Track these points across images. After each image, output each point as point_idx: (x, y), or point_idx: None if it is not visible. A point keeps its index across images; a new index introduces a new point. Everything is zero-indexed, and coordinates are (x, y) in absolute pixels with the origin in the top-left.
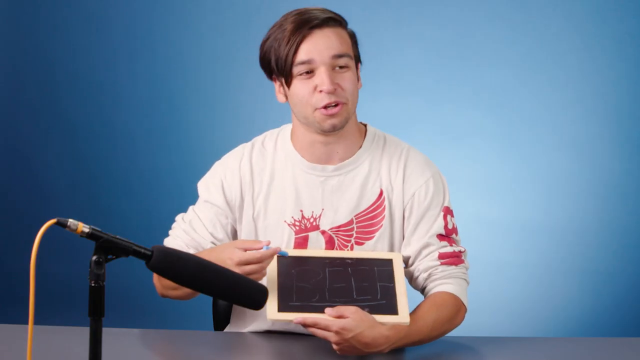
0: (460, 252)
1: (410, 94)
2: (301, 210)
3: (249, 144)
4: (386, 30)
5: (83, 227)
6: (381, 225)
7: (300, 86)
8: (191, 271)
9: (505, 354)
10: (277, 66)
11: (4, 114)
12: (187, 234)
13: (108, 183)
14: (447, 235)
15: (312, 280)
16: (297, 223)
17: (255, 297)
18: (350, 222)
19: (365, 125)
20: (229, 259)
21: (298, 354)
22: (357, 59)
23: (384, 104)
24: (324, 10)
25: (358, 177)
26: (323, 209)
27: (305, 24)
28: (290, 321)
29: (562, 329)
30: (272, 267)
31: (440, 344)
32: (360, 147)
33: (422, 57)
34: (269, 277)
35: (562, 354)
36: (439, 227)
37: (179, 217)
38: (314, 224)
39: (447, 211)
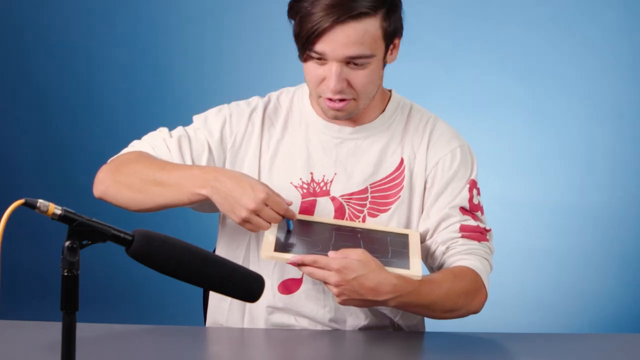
0: (485, 229)
1: (427, 58)
2: (311, 173)
3: (264, 97)
4: None
5: (55, 209)
6: (399, 197)
7: (311, 68)
8: (178, 258)
9: (532, 353)
10: (296, 38)
11: None
12: (170, 150)
13: (84, 158)
14: (472, 210)
15: (315, 237)
16: (306, 186)
17: (250, 288)
18: (365, 191)
19: (390, 91)
20: (256, 190)
21: (297, 350)
22: (394, 34)
23: (398, 69)
24: None
25: (377, 144)
26: (335, 173)
27: (335, 12)
28: (286, 260)
29: (596, 324)
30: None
31: (459, 339)
32: (383, 112)
33: (440, 16)
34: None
35: (597, 352)
36: (462, 199)
37: (164, 129)
38: (324, 188)
39: (474, 185)
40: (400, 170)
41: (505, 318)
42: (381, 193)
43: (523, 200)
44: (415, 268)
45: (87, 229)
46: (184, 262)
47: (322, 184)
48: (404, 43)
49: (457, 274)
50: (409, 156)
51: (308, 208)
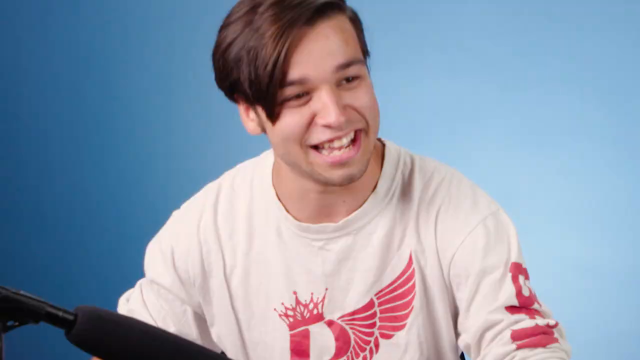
0: (548, 325)
1: (473, 75)
2: (294, 293)
3: (214, 189)
4: None
5: None
6: (411, 308)
7: (289, 118)
8: (137, 347)
9: None
10: (253, 89)
11: None
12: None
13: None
14: (524, 305)
15: None
16: (291, 312)
17: None
18: (370, 305)
19: (382, 145)
20: None
21: None
22: (365, 50)
23: (433, 88)
24: None
25: (377, 235)
26: (327, 289)
27: (292, 20)
28: None
29: None
30: None
31: None
32: (376, 186)
33: (491, 20)
34: None
35: None
36: (507, 296)
37: (128, 293)
38: (316, 312)
39: (517, 270)
40: (410, 271)
41: None
42: (391, 304)
43: (610, 267)
44: None
45: (13, 305)
46: (146, 352)
47: (311, 306)
48: (446, 54)
49: None
50: (416, 249)
51: (301, 342)
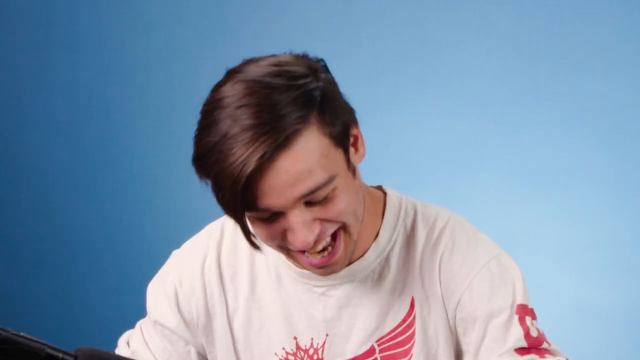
0: None
1: (474, 113)
2: (295, 338)
3: (217, 229)
4: (436, 15)
5: None
6: (410, 356)
7: (261, 231)
8: None
9: None
10: (220, 202)
11: None
12: None
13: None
14: (533, 346)
15: None
16: (292, 357)
17: None
18: (371, 352)
19: (384, 193)
20: None
21: None
22: (346, 127)
23: (433, 130)
24: (286, 87)
25: (379, 282)
26: (327, 335)
27: (257, 147)
28: None
29: None
30: None
31: None
32: (378, 234)
33: (491, 61)
34: None
35: None
36: (515, 338)
37: (128, 334)
38: (316, 357)
39: (524, 311)
40: (411, 318)
41: None
42: (391, 351)
43: (611, 309)
44: None
45: (13, 347)
46: None
47: (311, 352)
48: (445, 92)
49: None
50: (419, 297)
51: None
